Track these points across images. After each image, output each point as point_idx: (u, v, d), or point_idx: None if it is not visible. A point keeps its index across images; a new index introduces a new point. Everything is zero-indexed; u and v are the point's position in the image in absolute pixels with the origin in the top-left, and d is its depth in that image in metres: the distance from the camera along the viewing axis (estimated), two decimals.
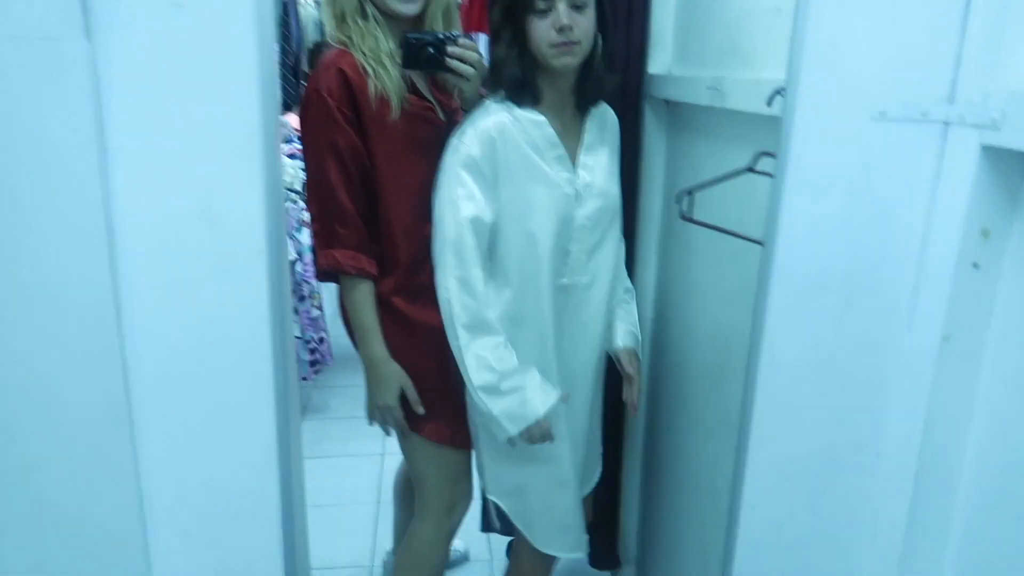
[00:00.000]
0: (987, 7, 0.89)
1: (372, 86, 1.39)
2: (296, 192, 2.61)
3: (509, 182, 1.38)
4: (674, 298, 1.77)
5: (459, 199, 1.36)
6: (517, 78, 1.37)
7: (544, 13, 1.31)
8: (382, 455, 2.90)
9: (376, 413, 1.54)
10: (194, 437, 1.06)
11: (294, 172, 2.70)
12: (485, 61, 1.46)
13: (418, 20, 1.47)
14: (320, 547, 2.24)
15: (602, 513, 1.96)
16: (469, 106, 1.48)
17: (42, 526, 1.04)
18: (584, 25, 1.33)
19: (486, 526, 2.05)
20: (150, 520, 1.08)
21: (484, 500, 1.65)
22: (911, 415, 1.02)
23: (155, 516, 1.08)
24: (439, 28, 1.47)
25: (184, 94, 0.93)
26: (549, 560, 1.67)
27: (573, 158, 1.44)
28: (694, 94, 1.50)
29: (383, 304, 1.50)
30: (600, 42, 1.39)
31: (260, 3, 0.94)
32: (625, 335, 1.60)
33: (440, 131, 1.47)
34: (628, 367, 1.59)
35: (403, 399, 1.52)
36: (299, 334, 2.86)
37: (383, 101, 1.41)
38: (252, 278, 1.00)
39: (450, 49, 1.40)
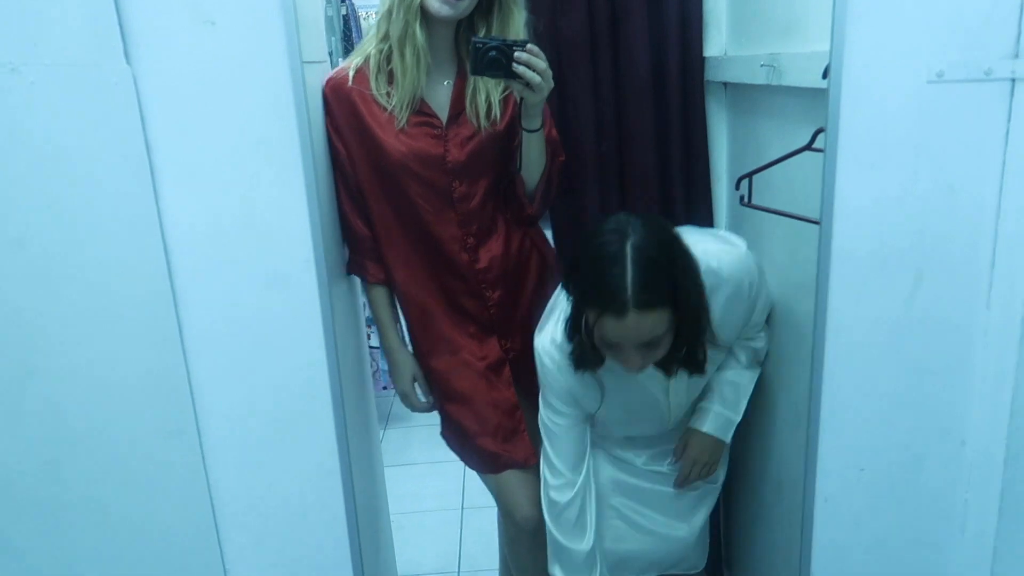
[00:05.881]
0: None
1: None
2: None
3: None
4: None
5: None
6: None
7: None
8: None
9: (402, 398, 1.62)
10: (258, 448, 1.09)
11: None
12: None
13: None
14: (407, 553, 2.27)
15: None
16: (531, 121, 1.41)
17: (115, 535, 1.09)
18: None
19: None
20: (223, 528, 1.11)
21: None
22: (997, 399, 0.95)
23: (227, 524, 1.11)
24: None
25: (222, 109, 0.95)
26: None
27: None
28: (750, 74, 1.45)
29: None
30: None
31: (286, 15, 0.95)
32: None
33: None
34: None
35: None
36: (377, 344, 2.90)
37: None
38: (301, 287, 1.02)
39: (516, 54, 1.37)
